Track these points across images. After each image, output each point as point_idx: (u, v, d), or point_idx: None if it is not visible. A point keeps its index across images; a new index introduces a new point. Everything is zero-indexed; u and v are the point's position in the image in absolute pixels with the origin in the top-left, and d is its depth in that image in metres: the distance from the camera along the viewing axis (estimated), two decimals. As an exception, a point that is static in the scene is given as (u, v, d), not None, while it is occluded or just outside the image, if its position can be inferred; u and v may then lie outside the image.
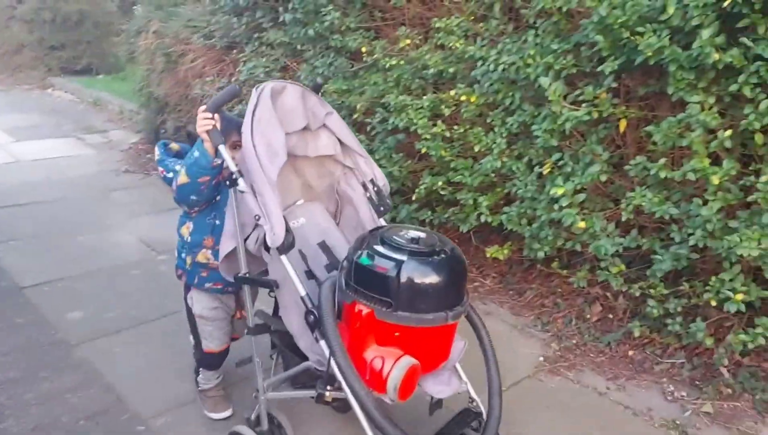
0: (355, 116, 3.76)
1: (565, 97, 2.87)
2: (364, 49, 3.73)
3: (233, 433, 2.22)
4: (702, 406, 2.68)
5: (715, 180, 2.46)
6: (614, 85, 2.79)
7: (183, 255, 2.36)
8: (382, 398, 1.81)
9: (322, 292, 1.87)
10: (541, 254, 3.20)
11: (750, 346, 2.55)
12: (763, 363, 2.75)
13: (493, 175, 3.29)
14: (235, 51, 4.87)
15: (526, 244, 3.28)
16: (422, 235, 1.89)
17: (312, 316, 1.86)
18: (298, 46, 4.19)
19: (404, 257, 1.78)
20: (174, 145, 2.36)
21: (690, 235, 2.60)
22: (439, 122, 3.38)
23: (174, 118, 5.93)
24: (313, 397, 1.93)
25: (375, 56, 3.67)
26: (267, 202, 1.90)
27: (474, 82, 3.30)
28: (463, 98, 3.27)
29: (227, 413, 2.53)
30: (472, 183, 3.34)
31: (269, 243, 1.89)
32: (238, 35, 4.81)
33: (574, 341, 3.18)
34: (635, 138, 2.93)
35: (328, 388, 1.85)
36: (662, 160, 2.65)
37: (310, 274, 2.11)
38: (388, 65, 3.57)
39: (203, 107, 2.03)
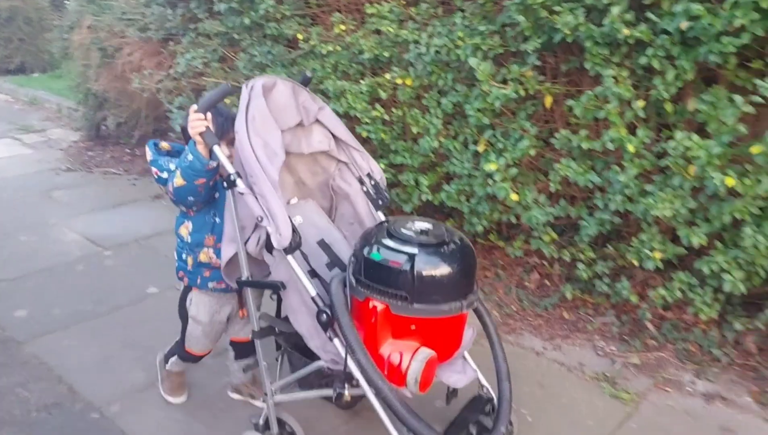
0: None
1: (493, 77, 3.01)
2: (300, 37, 3.79)
3: None
4: (630, 359, 2.89)
5: (631, 148, 2.65)
6: (538, 63, 2.94)
7: (183, 256, 2.29)
8: (403, 392, 1.81)
9: (332, 291, 1.86)
10: (479, 228, 3.36)
11: (669, 299, 2.77)
12: (683, 315, 2.97)
13: (432, 155, 3.41)
14: (171, 43, 4.84)
15: (465, 219, 3.43)
16: (429, 225, 1.90)
17: (325, 316, 1.83)
18: (235, 36, 4.21)
19: (415, 250, 1.78)
20: (164, 144, 2.30)
21: (611, 200, 2.79)
22: (377, 106, 3.48)
23: (115, 113, 5.85)
24: (325, 398, 1.91)
25: (311, 43, 3.73)
26: (270, 202, 1.85)
27: (409, 65, 3.41)
28: (398, 81, 3.37)
29: (183, 398, 2.57)
30: (413, 164, 3.47)
31: (275, 244, 1.86)
32: (173, 27, 4.78)
33: (514, 308, 3.35)
34: (561, 113, 3.11)
35: (347, 386, 1.84)
36: (584, 132, 2.82)
37: (313, 273, 2.08)
38: (324, 51, 3.65)
39: (194, 107, 1.96)
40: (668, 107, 2.65)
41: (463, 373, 1.95)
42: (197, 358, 2.46)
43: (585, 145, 2.80)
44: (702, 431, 2.49)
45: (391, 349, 1.82)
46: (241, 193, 1.91)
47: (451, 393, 2.01)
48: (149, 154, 2.25)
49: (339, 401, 1.86)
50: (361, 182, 2.24)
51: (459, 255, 1.84)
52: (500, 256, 3.70)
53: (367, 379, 1.76)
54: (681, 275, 2.74)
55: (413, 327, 1.82)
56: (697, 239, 2.58)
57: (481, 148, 3.18)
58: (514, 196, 3.03)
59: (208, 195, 2.15)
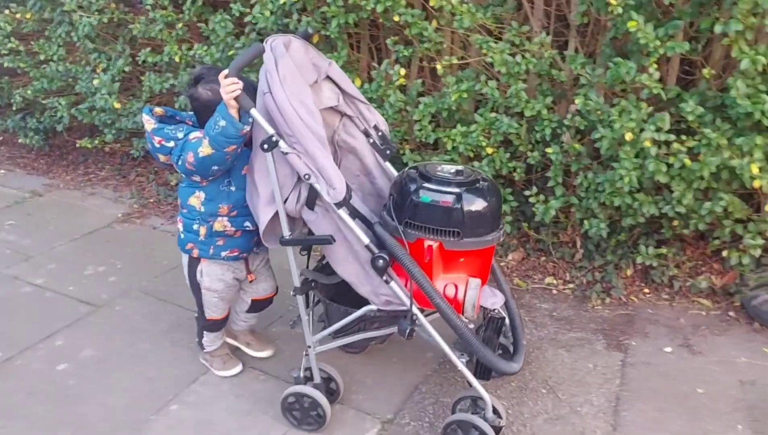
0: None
1: (81, 8, 3.68)
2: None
3: (293, 394, 2.21)
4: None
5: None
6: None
7: (195, 227, 2.25)
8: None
9: (383, 236, 1.93)
10: (110, 138, 4.08)
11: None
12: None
13: (69, 79, 4.05)
14: None
15: (105, 131, 4.12)
16: (459, 167, 2.02)
17: (381, 260, 1.90)
18: None
19: (459, 189, 1.91)
20: (158, 110, 2.22)
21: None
22: (12, 39, 4.03)
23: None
24: (371, 340, 2.19)
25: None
26: (319, 159, 1.88)
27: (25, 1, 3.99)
28: (18, 16, 3.93)
29: (238, 368, 2.55)
30: (50, 87, 4.07)
31: (328, 199, 1.90)
32: None
33: (152, 200, 4.15)
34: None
35: (414, 319, 1.95)
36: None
37: None
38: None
39: (225, 72, 1.91)
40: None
41: (495, 296, 2.11)
42: (222, 321, 2.48)
43: (150, 59, 3.63)
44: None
45: (444, 282, 1.97)
46: (285, 154, 1.90)
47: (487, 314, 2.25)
48: (152, 122, 2.16)
49: (410, 337, 1.96)
50: (367, 135, 2.25)
51: (493, 190, 2.02)
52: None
53: (439, 307, 1.89)
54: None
55: (462, 260, 1.98)
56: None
57: (99, 69, 3.86)
58: (117, 105, 3.78)
59: (231, 164, 2.12)
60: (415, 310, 1.95)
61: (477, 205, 1.92)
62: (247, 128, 1.98)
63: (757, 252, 2.59)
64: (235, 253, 2.30)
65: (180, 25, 3.51)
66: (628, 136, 2.46)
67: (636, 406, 2.35)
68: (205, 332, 2.50)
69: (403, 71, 3.00)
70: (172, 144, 2.11)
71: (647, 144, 2.44)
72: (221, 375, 2.53)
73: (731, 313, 2.87)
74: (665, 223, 2.88)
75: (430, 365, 2.59)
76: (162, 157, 2.17)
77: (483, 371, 2.03)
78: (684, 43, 2.43)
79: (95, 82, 3.78)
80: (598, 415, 2.32)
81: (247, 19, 3.16)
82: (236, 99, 1.91)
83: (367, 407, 2.37)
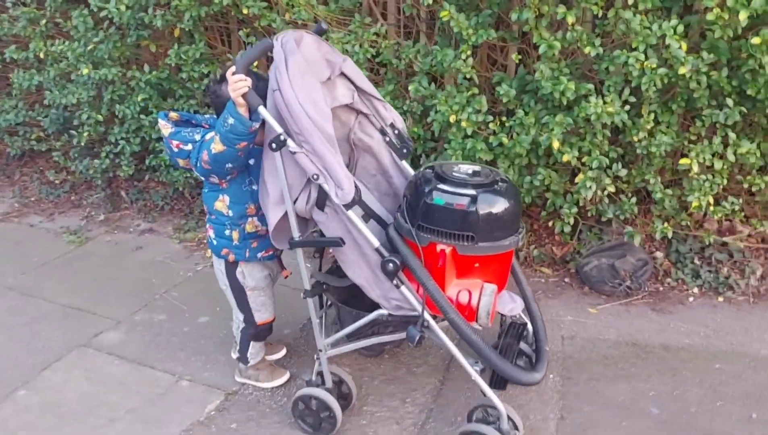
0: None
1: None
2: None
3: (303, 397, 2.16)
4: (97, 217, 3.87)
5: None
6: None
7: (227, 232, 2.21)
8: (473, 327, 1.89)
9: (395, 239, 1.88)
10: None
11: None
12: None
13: None
14: None
15: None
16: (476, 167, 1.92)
17: (391, 264, 1.84)
18: None
19: (474, 191, 1.81)
20: (173, 114, 2.18)
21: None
22: None
23: None
24: (373, 347, 2.18)
25: None
26: (328, 158, 1.82)
27: None
28: None
29: (286, 376, 2.49)
30: None
31: (337, 200, 1.84)
32: None
33: (33, 198, 4.15)
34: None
35: (425, 325, 1.88)
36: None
37: None
38: None
39: (233, 68, 1.87)
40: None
41: (514, 302, 2.06)
42: (270, 326, 2.42)
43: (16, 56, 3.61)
44: (124, 250, 3.59)
45: (458, 288, 1.89)
46: (293, 153, 1.85)
47: (506, 320, 2.21)
48: (169, 127, 2.12)
49: (419, 344, 1.88)
50: (383, 133, 2.18)
51: (511, 192, 1.90)
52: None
53: (448, 317, 1.82)
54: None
55: (477, 265, 1.90)
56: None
57: None
58: None
59: (245, 161, 2.09)
60: (426, 316, 1.88)
61: (493, 207, 1.82)
62: (257, 125, 1.93)
63: (571, 220, 2.80)
64: (270, 253, 2.28)
65: (44, 21, 3.52)
66: (452, 118, 2.66)
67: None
68: (252, 342, 2.41)
69: (255, 62, 3.10)
70: (189, 147, 2.08)
71: (464, 124, 2.64)
72: (271, 386, 2.46)
73: (567, 280, 3.12)
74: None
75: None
76: (181, 162, 2.13)
77: (498, 381, 1.95)
78: (491, 30, 2.63)
79: None
80: (432, 374, 2.50)
81: (102, 14, 3.20)
82: (244, 96, 1.87)
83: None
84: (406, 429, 2.25)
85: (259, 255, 2.25)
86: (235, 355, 2.48)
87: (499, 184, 1.87)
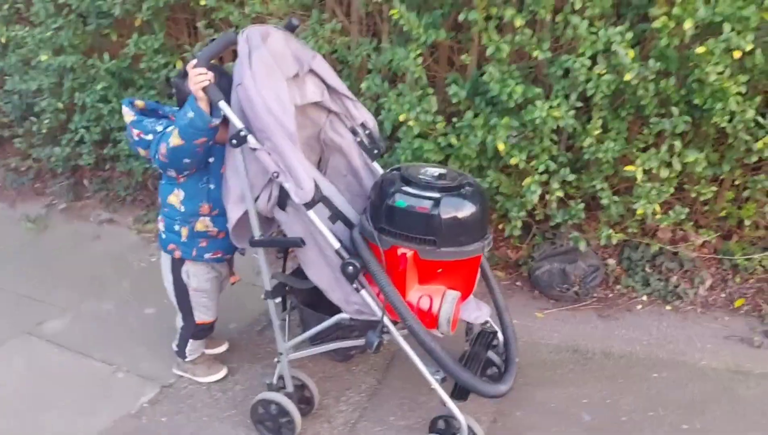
0: None
1: None
2: None
3: (262, 401, 2.13)
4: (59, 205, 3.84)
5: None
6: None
7: (176, 227, 2.16)
8: (434, 334, 1.85)
9: (357, 242, 1.84)
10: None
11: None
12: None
13: None
14: None
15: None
16: (443, 170, 1.89)
17: (351, 267, 1.79)
18: None
19: (438, 194, 1.78)
20: (139, 102, 2.15)
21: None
22: None
23: None
24: (339, 351, 2.12)
25: None
26: (288, 156, 1.76)
27: None
28: None
29: (224, 371, 2.48)
30: None
31: (296, 199, 1.78)
32: None
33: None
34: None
35: (384, 330, 1.84)
36: None
37: None
38: None
39: (194, 61, 1.83)
40: None
41: (480, 310, 2.03)
42: (211, 326, 2.38)
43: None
44: (82, 239, 3.54)
45: (419, 294, 1.85)
46: (253, 150, 1.80)
47: (470, 329, 2.16)
48: (130, 114, 2.08)
49: (377, 350, 1.84)
50: (354, 133, 2.14)
51: (478, 196, 1.86)
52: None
53: (407, 324, 1.78)
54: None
55: (439, 271, 1.86)
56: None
57: None
58: None
59: (204, 157, 2.04)
60: (386, 321, 1.84)
61: (457, 212, 1.79)
62: (216, 121, 1.89)
63: (519, 223, 2.77)
64: (219, 255, 2.22)
65: (6, 6, 3.50)
66: (402, 117, 2.64)
67: (407, 363, 2.52)
68: (190, 340, 2.37)
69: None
70: (150, 137, 2.03)
71: (411, 123, 2.62)
72: (207, 381, 2.44)
73: (518, 283, 3.11)
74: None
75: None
76: (141, 151, 2.09)
77: (460, 392, 1.91)
78: (441, 31, 2.59)
79: None
80: (369, 372, 2.51)
81: (60, 1, 3.18)
82: (205, 90, 1.83)
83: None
84: (337, 428, 2.24)
85: (207, 256, 2.20)
86: (174, 348, 2.44)
87: (466, 187, 1.83)
